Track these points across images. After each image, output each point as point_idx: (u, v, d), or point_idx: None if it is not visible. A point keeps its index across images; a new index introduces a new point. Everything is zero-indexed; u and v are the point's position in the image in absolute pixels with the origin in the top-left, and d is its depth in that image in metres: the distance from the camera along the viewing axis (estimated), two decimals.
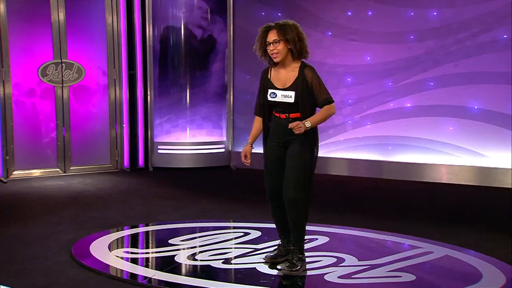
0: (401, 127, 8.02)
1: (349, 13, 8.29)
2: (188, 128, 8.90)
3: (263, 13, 8.80)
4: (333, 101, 3.97)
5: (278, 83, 4.04)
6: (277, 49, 3.94)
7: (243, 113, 8.96)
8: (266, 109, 4.10)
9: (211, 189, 7.42)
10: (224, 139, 9.09)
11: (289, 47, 3.95)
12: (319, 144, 4.11)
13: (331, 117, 4.01)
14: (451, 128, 7.72)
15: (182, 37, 8.75)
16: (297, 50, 3.96)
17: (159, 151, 8.83)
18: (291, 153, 4.00)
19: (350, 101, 8.32)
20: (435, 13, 7.75)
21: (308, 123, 3.86)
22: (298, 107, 3.96)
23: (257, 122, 4.20)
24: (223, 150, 9.07)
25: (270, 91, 4.04)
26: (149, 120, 8.75)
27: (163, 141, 8.85)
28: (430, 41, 7.78)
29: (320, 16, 8.43)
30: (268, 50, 3.98)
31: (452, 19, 7.63)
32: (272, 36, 3.96)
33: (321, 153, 7.99)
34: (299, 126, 3.84)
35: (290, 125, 3.86)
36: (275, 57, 3.97)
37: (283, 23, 3.97)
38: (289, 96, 3.96)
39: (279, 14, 8.59)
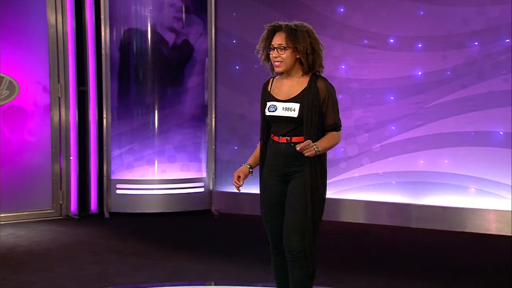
0: (435, 160, 8.03)
1: (366, 13, 8.35)
2: (156, 161, 8.89)
3: None
4: (340, 129, 4.06)
5: (280, 94, 4.09)
6: (281, 57, 4.01)
7: (228, 141, 8.95)
8: (265, 129, 4.16)
9: (186, 241, 7.39)
10: (204, 175, 9.07)
11: (297, 56, 4.02)
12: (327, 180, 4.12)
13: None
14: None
15: (149, 43, 8.78)
16: (308, 64, 4.03)
17: (118, 191, 8.78)
18: (293, 191, 4.00)
19: (367, 126, 8.34)
20: (476, 12, 7.81)
21: (317, 147, 3.86)
22: (302, 127, 3.98)
23: (261, 145, 4.25)
24: (202, 189, 9.04)
25: (269, 104, 4.09)
26: (105, 150, 8.72)
27: (124, 179, 8.81)
28: (471, 49, 7.84)
29: (329, 16, 8.50)
30: (271, 56, 4.05)
31: (500, 20, 7.68)
32: (278, 39, 4.02)
33: (330, 193, 8.11)
34: (311, 147, 3.80)
35: (299, 146, 3.81)
36: (277, 66, 4.04)
37: (296, 27, 4.02)
38: (292, 109, 3.99)
39: (276, 14, 8.63)
